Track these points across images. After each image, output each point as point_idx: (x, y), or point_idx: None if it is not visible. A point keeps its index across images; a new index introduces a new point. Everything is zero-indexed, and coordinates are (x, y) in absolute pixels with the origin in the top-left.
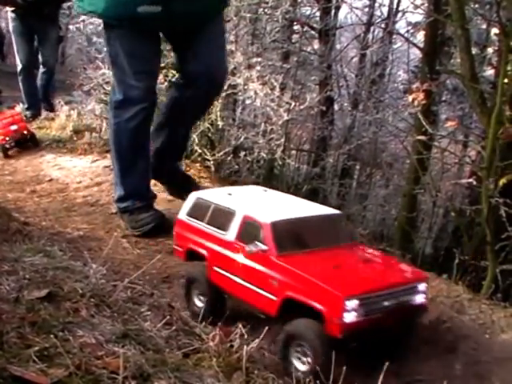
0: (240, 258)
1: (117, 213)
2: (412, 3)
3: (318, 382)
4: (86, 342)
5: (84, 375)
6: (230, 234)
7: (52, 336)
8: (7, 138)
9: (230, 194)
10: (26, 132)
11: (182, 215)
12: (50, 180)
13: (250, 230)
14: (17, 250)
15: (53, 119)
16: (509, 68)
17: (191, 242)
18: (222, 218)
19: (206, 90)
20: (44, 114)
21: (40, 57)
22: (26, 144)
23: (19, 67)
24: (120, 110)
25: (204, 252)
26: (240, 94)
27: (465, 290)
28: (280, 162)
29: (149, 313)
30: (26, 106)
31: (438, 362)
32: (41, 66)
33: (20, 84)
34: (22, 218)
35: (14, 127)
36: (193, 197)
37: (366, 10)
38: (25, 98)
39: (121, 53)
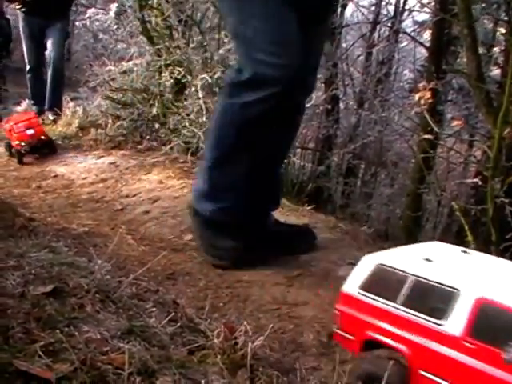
0: (478, 365)
1: (190, 214)
2: (419, 2)
3: None
4: (91, 337)
5: (89, 370)
6: (452, 325)
7: (57, 331)
8: (23, 143)
9: (428, 260)
10: (43, 137)
11: (352, 288)
12: (56, 176)
13: (491, 322)
14: (22, 246)
15: (58, 114)
16: None
17: (372, 328)
18: (430, 298)
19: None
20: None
21: (47, 56)
22: (43, 150)
23: (27, 67)
24: (240, 90)
25: (402, 347)
26: None
27: None
28: (285, 160)
29: (154, 309)
30: (32, 102)
31: None
32: (50, 67)
33: (27, 82)
34: (27, 214)
35: (30, 131)
36: (369, 263)
37: (373, 8)
38: (31, 94)
39: (250, 17)
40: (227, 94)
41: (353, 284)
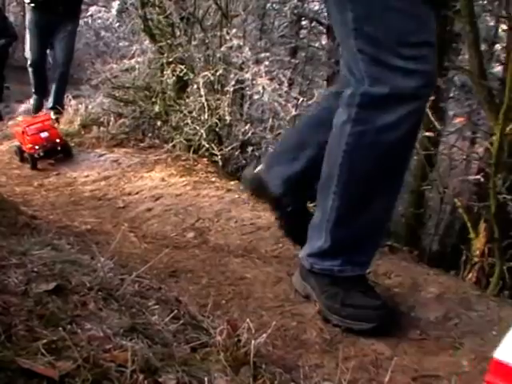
0: None
1: (309, 272)
2: None
3: None
4: (94, 335)
5: (92, 368)
6: None
7: (60, 329)
8: (36, 147)
9: None
10: (58, 140)
11: (507, 356)
12: (58, 174)
13: None
14: (25, 244)
15: (61, 113)
16: None
17: None
18: None
19: None
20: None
21: (54, 54)
22: (58, 155)
23: (28, 61)
24: (372, 112)
25: None
26: (248, 89)
27: (472, 287)
28: None
29: (156, 307)
30: (33, 91)
31: (445, 358)
32: (58, 69)
33: (30, 76)
34: (29, 212)
35: (44, 134)
36: None
37: None
38: (33, 86)
39: (383, 11)
40: (352, 121)
41: (507, 351)
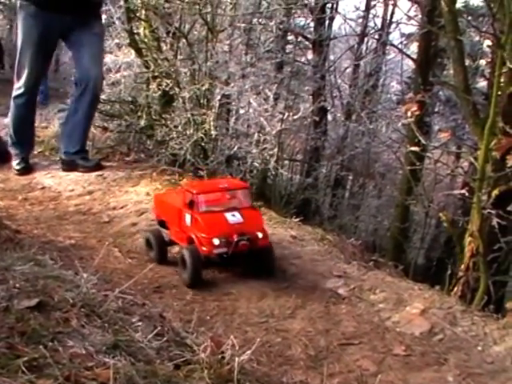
0: None
1: None
2: (405, 14)
3: None
4: (76, 352)
5: None
6: None
7: (41, 346)
8: (216, 241)
9: None
10: (260, 234)
11: None
12: (43, 188)
13: None
14: (7, 259)
15: (46, 127)
16: (502, 80)
17: None
18: None
19: None
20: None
21: (76, 73)
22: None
23: (19, 89)
24: None
25: None
26: (234, 103)
27: (457, 302)
28: (273, 172)
29: (140, 323)
30: (10, 142)
31: (430, 374)
32: (87, 92)
33: (11, 112)
34: (13, 226)
35: (234, 217)
36: None
37: (360, 21)
38: (13, 131)
39: None
40: None
41: None
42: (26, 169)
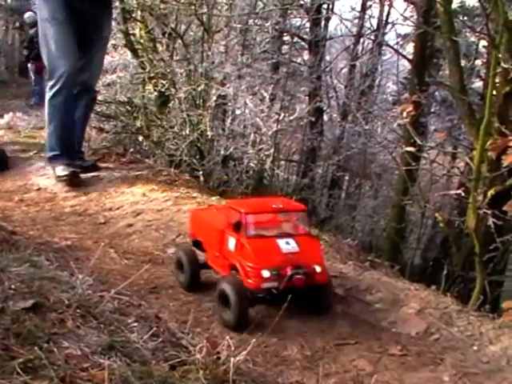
0: None
1: None
2: (401, 15)
3: None
4: (72, 353)
5: None
6: None
7: (37, 347)
8: (266, 274)
9: None
10: (319, 269)
11: None
12: (39, 189)
13: None
14: (3, 260)
15: (42, 128)
16: (497, 80)
17: None
18: None
19: None
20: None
21: (76, 73)
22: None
23: (56, 84)
24: None
25: None
26: (230, 104)
27: (453, 302)
28: (269, 173)
29: (136, 324)
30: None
31: (426, 374)
32: (85, 94)
33: (48, 121)
34: (9, 227)
35: (288, 246)
36: None
37: (356, 21)
38: (58, 137)
39: None
40: None
41: None
42: (75, 174)
